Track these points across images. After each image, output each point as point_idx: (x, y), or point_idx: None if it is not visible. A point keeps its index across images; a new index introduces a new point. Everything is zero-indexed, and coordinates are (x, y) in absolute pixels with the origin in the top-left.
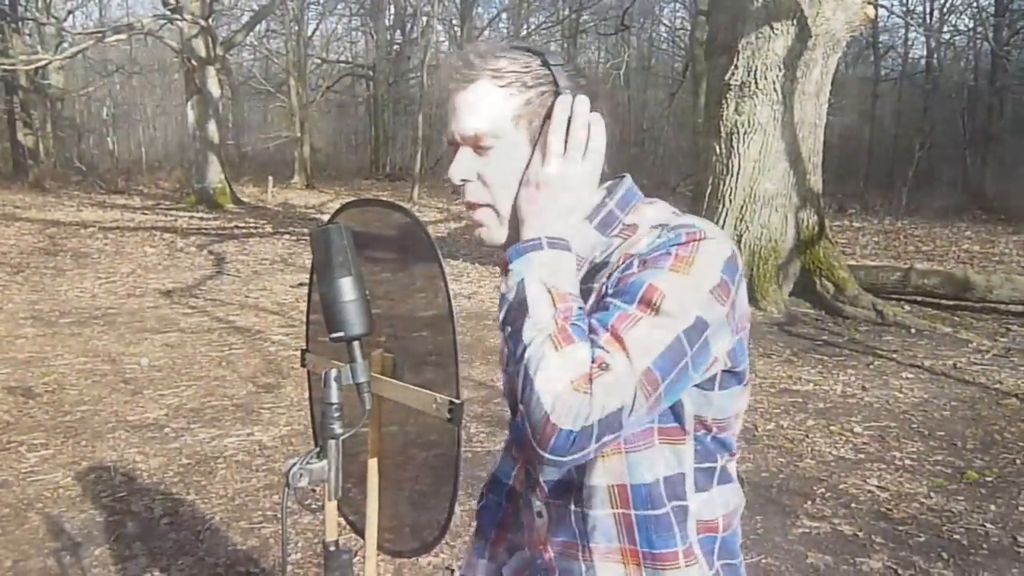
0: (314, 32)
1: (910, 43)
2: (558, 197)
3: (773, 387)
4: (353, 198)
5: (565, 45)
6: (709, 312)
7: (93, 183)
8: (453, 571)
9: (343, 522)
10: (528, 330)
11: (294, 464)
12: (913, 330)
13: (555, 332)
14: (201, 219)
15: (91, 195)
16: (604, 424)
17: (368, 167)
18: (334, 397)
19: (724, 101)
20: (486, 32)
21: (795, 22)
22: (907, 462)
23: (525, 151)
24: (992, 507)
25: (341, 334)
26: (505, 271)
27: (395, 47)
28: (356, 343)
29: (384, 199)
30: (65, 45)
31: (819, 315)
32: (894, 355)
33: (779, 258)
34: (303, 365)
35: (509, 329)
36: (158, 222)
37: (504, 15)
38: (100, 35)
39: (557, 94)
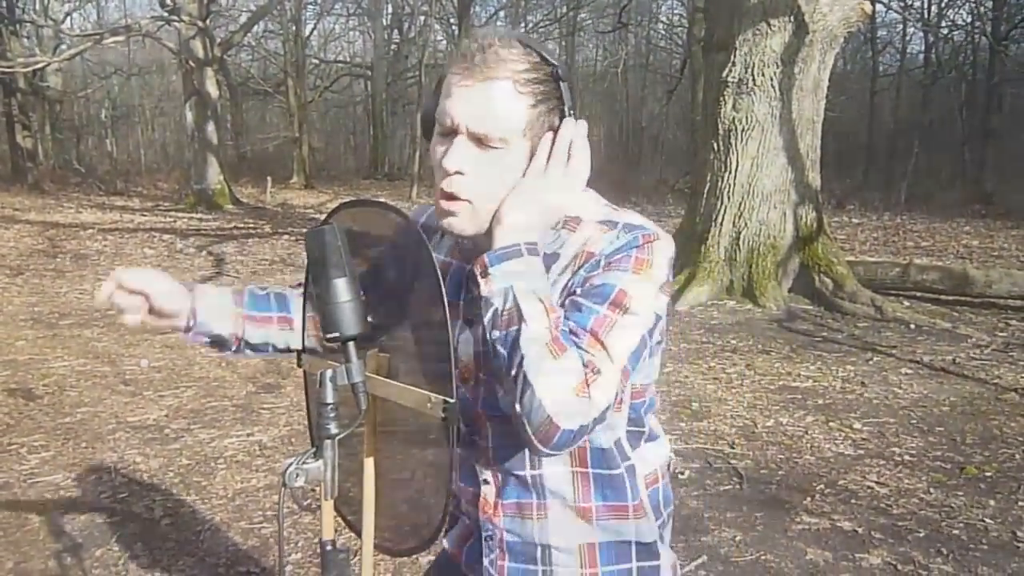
0: (312, 32)
1: (908, 38)
2: (544, 212)
3: (772, 384)
4: (351, 198)
5: (563, 43)
6: (660, 306)
7: (92, 185)
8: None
9: (341, 521)
10: (525, 340)
11: (290, 464)
12: (912, 326)
13: (550, 341)
14: (200, 220)
15: (90, 197)
16: (597, 420)
17: (367, 167)
18: (329, 397)
19: (722, 98)
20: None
21: (792, 18)
22: (906, 458)
23: (524, 159)
24: (991, 502)
25: (336, 334)
26: (484, 273)
27: (393, 47)
28: (351, 343)
29: (378, 200)
30: (63, 47)
31: (818, 311)
32: (893, 351)
33: (778, 255)
34: (299, 365)
35: (497, 334)
36: (157, 223)
37: (502, 13)
38: (98, 37)
39: (562, 111)
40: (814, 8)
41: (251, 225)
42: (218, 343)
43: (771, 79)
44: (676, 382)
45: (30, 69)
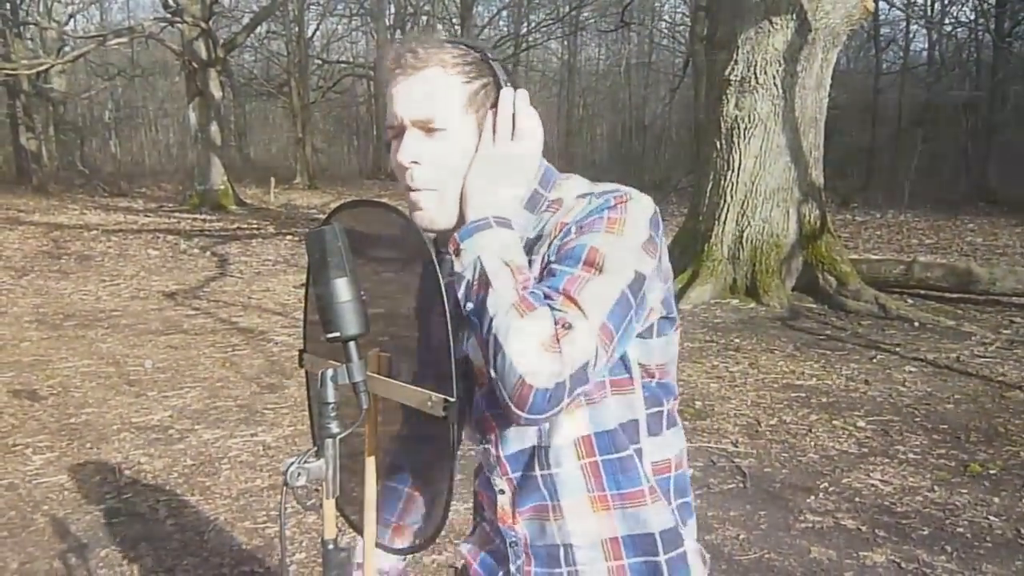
0: (314, 33)
1: (911, 36)
2: (508, 174)
3: (776, 382)
4: (354, 198)
5: (566, 42)
6: (643, 266)
7: (96, 186)
8: (457, 569)
9: (343, 521)
10: (492, 302)
11: (292, 463)
12: (916, 323)
13: (518, 301)
14: (204, 221)
15: (94, 198)
16: (575, 379)
17: (370, 167)
18: (330, 396)
19: (724, 96)
20: (486, 31)
21: (795, 16)
22: (910, 456)
23: (473, 137)
24: (996, 500)
25: (337, 334)
26: (457, 251)
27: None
28: (352, 343)
29: (378, 200)
30: (67, 49)
31: (822, 309)
32: (897, 349)
33: (781, 253)
34: (301, 366)
35: (471, 305)
36: (161, 224)
37: (504, 13)
38: (101, 39)
39: (498, 87)
40: (816, 6)
41: (255, 226)
42: None
43: (774, 77)
44: (679, 380)
45: (34, 71)
